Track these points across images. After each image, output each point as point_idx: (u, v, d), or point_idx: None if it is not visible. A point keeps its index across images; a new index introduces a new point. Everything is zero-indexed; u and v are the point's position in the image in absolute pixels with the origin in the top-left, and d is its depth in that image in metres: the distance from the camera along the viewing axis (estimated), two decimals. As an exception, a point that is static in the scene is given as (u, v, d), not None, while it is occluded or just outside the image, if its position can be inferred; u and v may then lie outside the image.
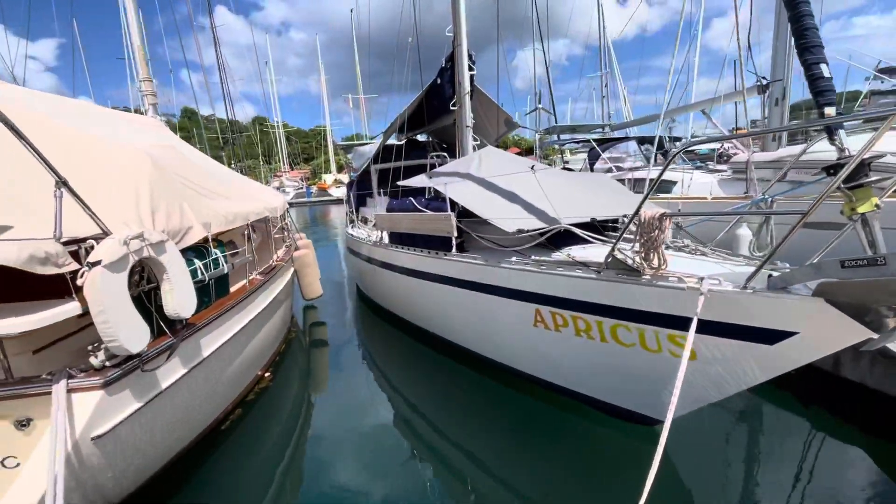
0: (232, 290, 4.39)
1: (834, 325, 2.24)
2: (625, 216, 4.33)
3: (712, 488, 3.28)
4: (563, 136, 14.52)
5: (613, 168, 11.18)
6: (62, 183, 2.37)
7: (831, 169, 2.13)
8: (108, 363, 2.60)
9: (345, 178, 40.04)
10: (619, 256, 3.09)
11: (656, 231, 2.76)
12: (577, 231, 3.86)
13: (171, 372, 3.05)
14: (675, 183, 8.91)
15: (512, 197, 4.59)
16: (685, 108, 9.93)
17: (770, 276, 2.50)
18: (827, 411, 4.14)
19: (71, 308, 2.40)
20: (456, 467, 3.67)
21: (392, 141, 9.16)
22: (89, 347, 2.77)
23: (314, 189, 40.00)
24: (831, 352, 2.40)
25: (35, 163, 2.95)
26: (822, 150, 4.29)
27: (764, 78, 8.18)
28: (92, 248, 2.52)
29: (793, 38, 2.30)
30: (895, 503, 3.05)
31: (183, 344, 3.18)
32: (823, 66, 2.21)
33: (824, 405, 4.20)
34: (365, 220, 9.01)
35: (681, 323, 2.90)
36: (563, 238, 4.21)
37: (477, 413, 4.43)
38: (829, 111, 2.19)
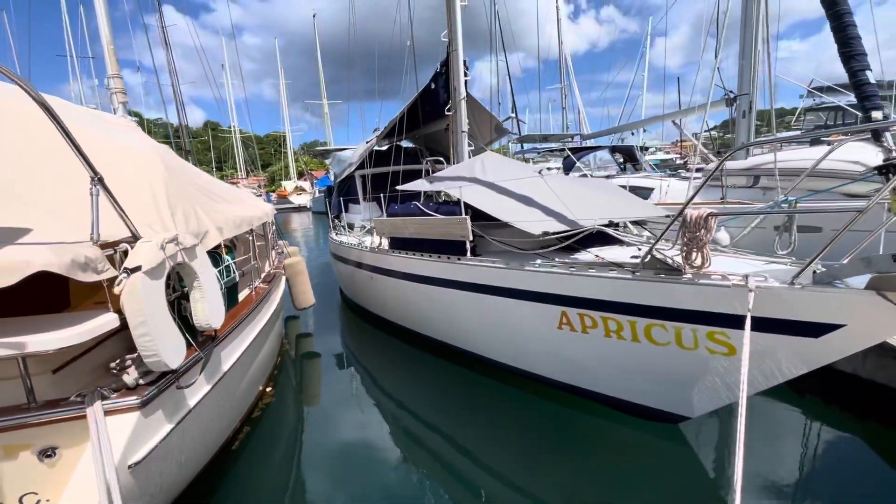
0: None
1: (882, 316, 2.38)
2: (667, 215, 4.42)
3: (716, 475, 3.40)
4: (535, 145, 14.94)
5: (589, 176, 11.54)
6: (98, 180, 2.12)
7: (883, 169, 2.27)
8: (141, 381, 2.34)
9: (306, 185, 38.96)
10: (658, 256, 3.16)
11: (702, 230, 2.83)
12: (611, 232, 3.91)
13: (199, 388, 2.79)
14: (652, 189, 9.32)
15: (527, 201, 4.60)
16: (657, 118, 10.46)
17: (815, 272, 2.63)
18: (821, 401, 4.40)
19: (109, 320, 2.14)
20: (475, 477, 3.55)
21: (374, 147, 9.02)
22: (112, 364, 2.49)
23: (273, 196, 38.68)
24: (875, 343, 2.55)
25: (38, 160, 2.65)
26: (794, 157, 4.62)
27: (731, 91, 8.76)
28: (126, 252, 2.27)
29: (837, 47, 2.44)
30: (890, 484, 3.26)
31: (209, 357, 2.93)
32: (868, 73, 2.36)
33: (819, 395, 4.45)
34: (350, 227, 8.77)
35: (722, 320, 2.99)
36: (580, 240, 4.25)
37: (487, 417, 4.35)
38: (877, 115, 2.34)
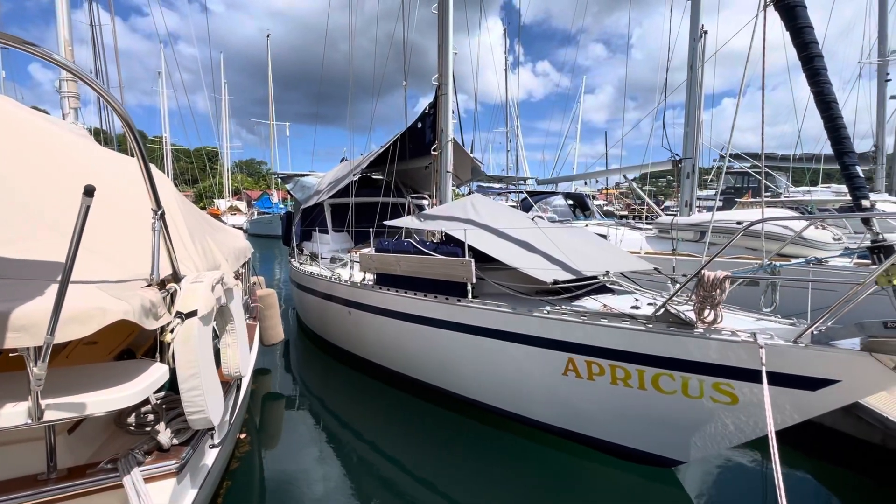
0: None
1: (873, 375, 2.75)
2: (655, 268, 4.74)
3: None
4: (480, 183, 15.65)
5: (544, 219, 12.18)
6: (160, 215, 1.91)
7: (875, 250, 2.67)
8: (175, 441, 2.06)
9: (242, 204, 36.92)
10: (672, 310, 3.40)
11: (717, 290, 3.12)
12: (623, 283, 4.13)
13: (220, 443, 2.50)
14: (606, 237, 10.02)
15: (528, 247, 4.76)
16: (608, 171, 11.40)
17: (813, 332, 2.98)
18: (788, 447, 4.85)
19: (162, 373, 1.87)
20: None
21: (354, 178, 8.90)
22: (130, 419, 2.19)
23: (205, 215, 36.04)
24: (862, 397, 2.92)
25: (45, 177, 2.37)
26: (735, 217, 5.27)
27: (677, 154, 9.82)
28: (175, 293, 2.04)
29: (831, 143, 2.89)
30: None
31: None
32: (858, 168, 2.82)
33: (782, 441, 4.91)
34: (314, 256, 8.44)
35: (729, 372, 3.26)
36: (573, 286, 4.42)
37: (476, 461, 4.28)
38: (866, 203, 2.79)
